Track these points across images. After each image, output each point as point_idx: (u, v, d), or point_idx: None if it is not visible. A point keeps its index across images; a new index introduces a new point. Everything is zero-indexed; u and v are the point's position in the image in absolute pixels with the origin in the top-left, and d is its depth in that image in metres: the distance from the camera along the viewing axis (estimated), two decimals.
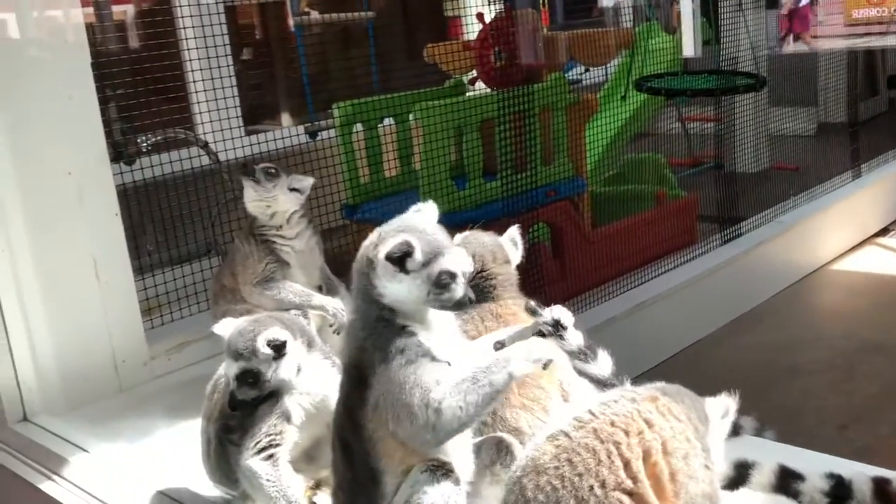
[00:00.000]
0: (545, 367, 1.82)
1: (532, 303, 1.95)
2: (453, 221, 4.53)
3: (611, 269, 5.20)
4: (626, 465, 1.67)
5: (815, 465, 2.22)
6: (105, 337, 3.18)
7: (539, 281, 4.70)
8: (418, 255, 1.81)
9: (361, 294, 1.88)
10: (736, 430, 2.54)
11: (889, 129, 8.72)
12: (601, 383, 2.04)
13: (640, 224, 5.53)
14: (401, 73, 5.77)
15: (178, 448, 2.73)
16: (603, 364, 2.05)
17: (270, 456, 2.18)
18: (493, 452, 2.02)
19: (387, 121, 5.08)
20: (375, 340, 1.85)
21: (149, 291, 3.54)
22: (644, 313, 4.89)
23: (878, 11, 12.64)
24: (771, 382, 4.76)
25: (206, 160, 3.90)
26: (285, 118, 6.85)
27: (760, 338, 5.32)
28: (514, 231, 2.36)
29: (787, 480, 2.16)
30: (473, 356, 1.91)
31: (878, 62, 9.73)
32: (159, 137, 3.47)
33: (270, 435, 2.19)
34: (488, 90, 5.17)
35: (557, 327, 1.91)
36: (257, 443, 2.18)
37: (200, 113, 3.93)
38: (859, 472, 2.18)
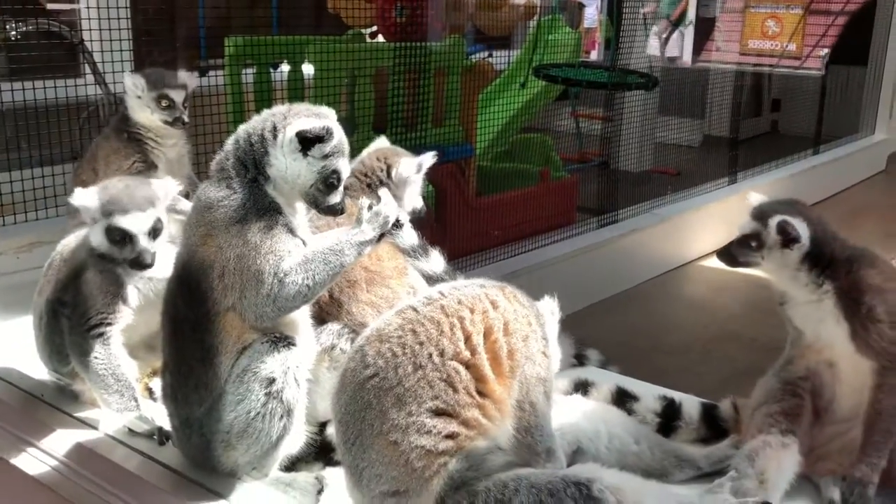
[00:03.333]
0: (393, 228, 1.88)
1: (372, 202, 1.95)
2: None
3: (490, 237, 5.25)
4: (468, 338, 1.70)
5: (651, 391, 2.30)
6: None
7: None
8: (328, 147, 1.81)
9: (241, 154, 1.85)
10: (581, 361, 2.62)
11: (769, 146, 9.13)
12: (434, 279, 2.06)
13: (522, 198, 5.61)
14: (301, 21, 5.67)
15: (15, 339, 2.60)
16: (435, 261, 2.09)
17: (101, 334, 2.10)
18: (334, 336, 2.00)
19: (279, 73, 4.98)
20: (238, 198, 1.81)
21: (2, 187, 3.35)
22: (515, 283, 4.94)
23: (771, 44, 13.29)
24: (628, 360, 4.90)
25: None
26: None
27: (626, 319, 5.48)
28: (427, 156, 2.35)
29: (622, 399, 2.23)
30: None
31: (764, 85, 10.19)
32: (30, 27, 3.28)
33: (102, 313, 2.11)
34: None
35: (396, 224, 1.93)
36: (88, 319, 2.10)
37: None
38: (690, 398, 2.27)
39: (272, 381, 1.80)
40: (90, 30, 3.69)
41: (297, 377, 1.83)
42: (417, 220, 2.27)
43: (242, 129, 1.91)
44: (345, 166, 1.90)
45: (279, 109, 1.91)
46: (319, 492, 1.89)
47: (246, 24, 5.32)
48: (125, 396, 2.11)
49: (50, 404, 2.26)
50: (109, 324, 2.11)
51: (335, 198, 1.88)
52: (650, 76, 7.00)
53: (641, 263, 6.03)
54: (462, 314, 1.73)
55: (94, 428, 2.16)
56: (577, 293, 5.42)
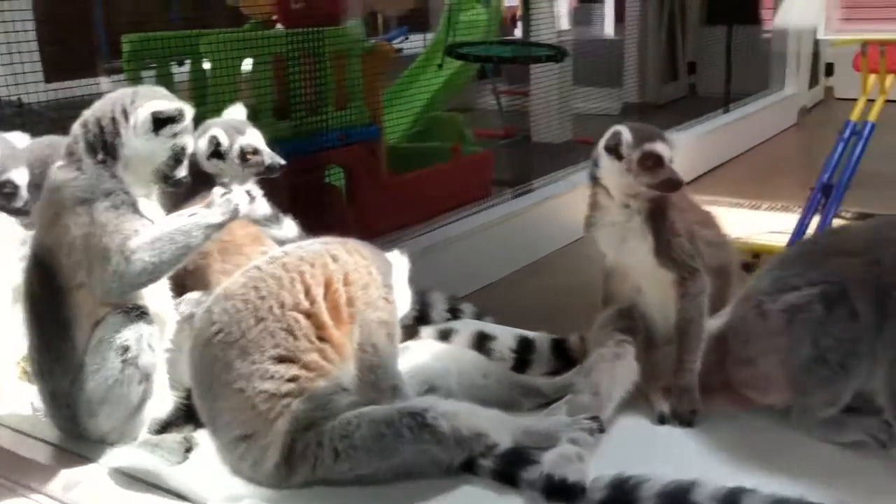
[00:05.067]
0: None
1: (225, 189, 2.04)
2: None
3: (405, 215, 5.35)
4: (307, 290, 1.83)
5: (510, 332, 2.44)
6: None
7: (331, 222, 4.79)
8: (179, 126, 1.93)
9: (91, 138, 1.94)
10: (456, 314, 2.74)
11: (686, 108, 9.33)
12: (287, 244, 2.17)
13: (435, 175, 5.72)
14: (201, 17, 5.71)
15: None
16: (287, 228, 2.21)
17: None
18: (193, 305, 2.10)
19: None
20: (85, 179, 1.91)
21: None
22: (433, 257, 5.06)
23: None
24: (561, 319, 5.00)
25: None
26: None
27: (550, 281, 5.60)
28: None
29: (481, 341, 2.36)
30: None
31: (679, 49, 10.34)
32: None
33: None
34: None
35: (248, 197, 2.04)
36: None
37: None
38: (542, 335, 2.42)
39: (126, 348, 1.90)
40: None
41: (151, 344, 1.93)
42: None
43: (89, 113, 2.00)
44: (190, 142, 2.04)
45: (124, 92, 2.02)
46: (188, 450, 1.99)
47: (146, 20, 5.34)
48: None
49: None
50: None
51: (181, 171, 2.02)
52: (559, 48, 7.17)
53: (559, 229, 6.17)
54: (302, 269, 1.86)
55: None
56: (497, 262, 5.55)
